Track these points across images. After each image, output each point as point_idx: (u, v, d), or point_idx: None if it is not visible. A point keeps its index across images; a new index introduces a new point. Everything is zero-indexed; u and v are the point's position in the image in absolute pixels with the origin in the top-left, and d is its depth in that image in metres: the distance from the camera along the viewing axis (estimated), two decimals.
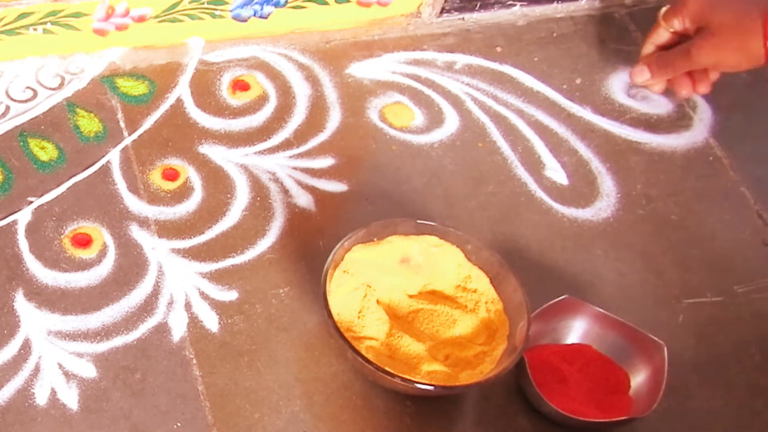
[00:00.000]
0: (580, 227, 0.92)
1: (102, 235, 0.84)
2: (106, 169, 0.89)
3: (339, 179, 0.91)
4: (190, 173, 0.90)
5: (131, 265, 0.83)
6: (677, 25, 0.91)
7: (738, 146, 1.01)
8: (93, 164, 0.89)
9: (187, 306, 0.81)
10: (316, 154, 0.93)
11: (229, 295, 0.83)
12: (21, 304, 0.80)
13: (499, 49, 1.05)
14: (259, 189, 0.89)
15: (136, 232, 0.85)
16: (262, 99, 0.96)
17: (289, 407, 0.77)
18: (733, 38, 0.84)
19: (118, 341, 0.79)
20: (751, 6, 0.83)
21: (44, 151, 0.89)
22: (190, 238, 0.85)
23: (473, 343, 0.79)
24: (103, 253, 0.84)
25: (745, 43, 0.83)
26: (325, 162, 0.92)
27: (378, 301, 0.80)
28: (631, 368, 0.81)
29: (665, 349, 0.79)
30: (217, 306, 0.82)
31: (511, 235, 0.90)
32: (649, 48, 0.95)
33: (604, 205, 0.94)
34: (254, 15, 0.99)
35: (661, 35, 0.93)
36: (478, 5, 1.06)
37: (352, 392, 0.79)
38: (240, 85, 0.97)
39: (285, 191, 0.90)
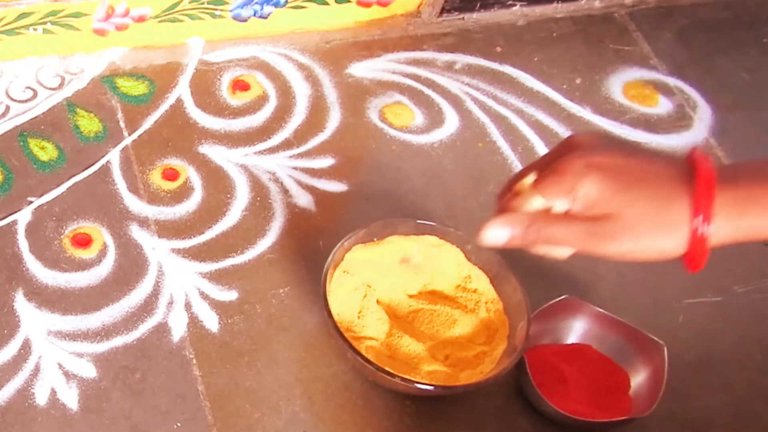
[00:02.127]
0: None
1: (102, 235, 0.84)
2: (106, 169, 0.89)
3: (339, 179, 0.91)
4: (190, 173, 0.90)
5: (131, 265, 0.83)
6: (560, 206, 0.62)
7: (738, 146, 1.01)
8: (93, 164, 0.89)
9: (187, 306, 0.81)
10: (316, 154, 0.93)
11: (229, 295, 0.83)
12: (21, 304, 0.80)
13: (499, 49, 1.05)
14: (259, 189, 0.89)
15: (136, 232, 0.85)
16: (262, 99, 0.96)
17: (289, 407, 0.77)
18: (655, 230, 0.62)
19: (118, 341, 0.79)
20: (674, 190, 0.61)
21: (44, 151, 0.89)
22: (190, 238, 0.85)
23: (473, 343, 0.79)
24: (103, 253, 0.84)
25: (665, 225, 0.62)
26: (325, 162, 0.92)
27: (378, 301, 0.80)
28: (631, 368, 0.81)
29: (665, 349, 0.79)
30: (217, 306, 0.82)
31: None
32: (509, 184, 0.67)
33: None
34: (254, 15, 0.99)
35: (535, 203, 0.64)
36: (478, 5, 1.07)
37: (352, 392, 0.79)
38: (240, 85, 0.97)
39: (285, 191, 0.90)
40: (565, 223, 0.62)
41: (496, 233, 0.64)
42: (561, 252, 0.64)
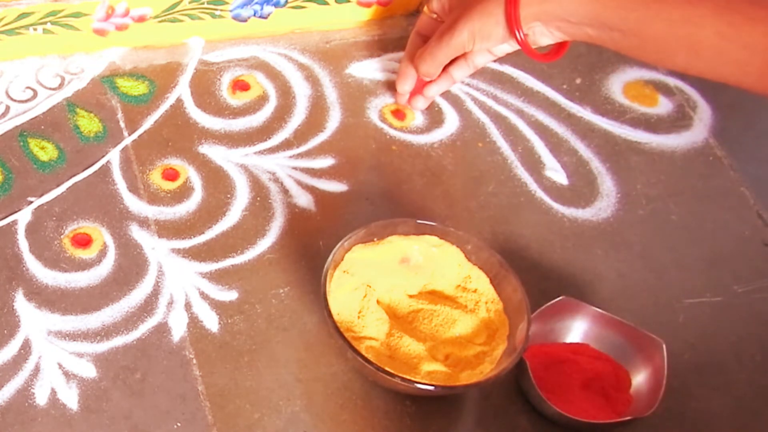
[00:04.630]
0: (580, 227, 0.92)
1: (102, 235, 0.84)
2: (106, 169, 0.89)
3: (339, 179, 0.91)
4: (190, 173, 0.90)
5: (131, 265, 0.83)
6: (436, 6, 0.90)
7: (738, 146, 1.01)
8: (93, 164, 0.89)
9: (187, 306, 0.81)
10: (316, 154, 0.93)
11: (229, 295, 0.83)
12: (21, 304, 0.80)
13: None
14: (259, 189, 0.89)
15: (136, 232, 0.85)
16: (262, 99, 0.96)
17: (289, 407, 0.77)
18: (481, 17, 0.83)
19: (118, 341, 0.79)
20: None
21: (44, 151, 0.89)
22: (190, 238, 0.85)
23: (473, 343, 0.79)
24: (103, 253, 0.84)
25: (487, 7, 0.82)
26: (325, 162, 0.92)
27: (378, 301, 0.80)
28: (631, 367, 0.81)
29: (664, 346, 0.79)
30: (217, 306, 0.82)
31: (511, 235, 0.90)
32: (413, 39, 0.93)
33: (604, 205, 0.94)
34: (254, 15, 0.99)
35: (423, 22, 0.92)
36: None
37: (352, 392, 0.79)
38: (240, 85, 0.97)
39: (285, 191, 0.90)
40: (426, 45, 0.89)
41: (403, 78, 0.94)
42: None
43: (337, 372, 0.80)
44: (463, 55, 0.89)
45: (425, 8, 0.92)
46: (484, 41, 0.85)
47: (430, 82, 0.94)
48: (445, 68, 0.91)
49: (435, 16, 0.91)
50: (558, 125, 0.99)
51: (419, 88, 0.95)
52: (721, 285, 0.90)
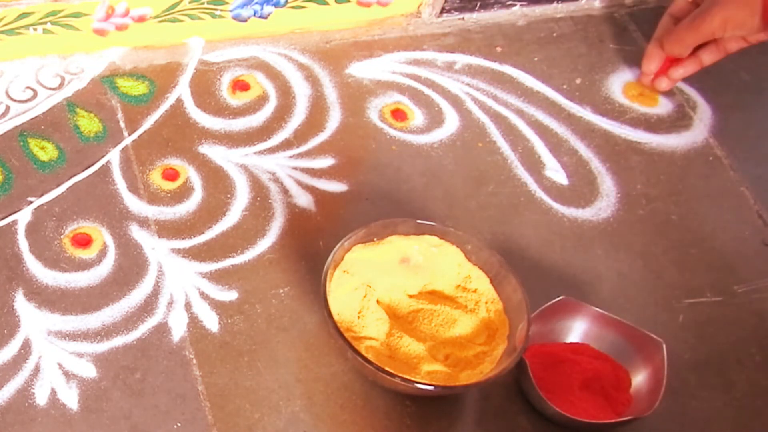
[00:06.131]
0: (580, 227, 0.92)
1: (102, 235, 0.84)
2: (106, 169, 0.89)
3: (339, 179, 0.91)
4: (190, 173, 0.90)
5: (131, 265, 0.83)
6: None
7: (738, 146, 1.01)
8: (93, 164, 0.89)
9: (187, 306, 0.81)
10: (316, 154, 0.93)
11: (229, 295, 0.83)
12: (21, 304, 0.80)
13: (499, 49, 1.05)
14: (259, 189, 0.89)
15: (136, 232, 0.85)
16: (262, 99, 0.96)
17: (289, 407, 0.77)
18: (737, 6, 0.86)
19: (118, 341, 0.79)
20: None
21: (44, 151, 0.89)
22: (190, 238, 0.85)
23: (473, 343, 0.79)
24: (103, 253, 0.84)
25: None
26: (325, 162, 0.92)
27: (378, 301, 0.80)
28: (631, 367, 0.81)
29: (664, 346, 0.79)
30: (217, 306, 0.82)
31: (511, 235, 0.90)
32: (665, 21, 0.96)
33: (604, 205, 0.94)
34: (254, 15, 0.99)
35: (678, 5, 0.95)
36: (478, 5, 1.07)
37: (352, 392, 0.79)
38: (240, 85, 0.97)
39: (285, 191, 0.90)
40: (681, 23, 0.92)
41: (649, 59, 0.98)
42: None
43: (337, 372, 0.80)
44: (715, 41, 0.92)
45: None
46: (737, 29, 0.88)
47: (677, 63, 0.96)
48: (695, 51, 0.94)
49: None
50: (558, 125, 0.99)
51: (664, 69, 0.97)
52: (721, 285, 0.90)
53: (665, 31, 0.96)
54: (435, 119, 0.98)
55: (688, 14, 0.93)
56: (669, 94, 1.03)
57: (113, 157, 0.90)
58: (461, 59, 1.03)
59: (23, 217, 0.85)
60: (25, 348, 0.78)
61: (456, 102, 0.99)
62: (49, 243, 0.83)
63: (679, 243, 0.92)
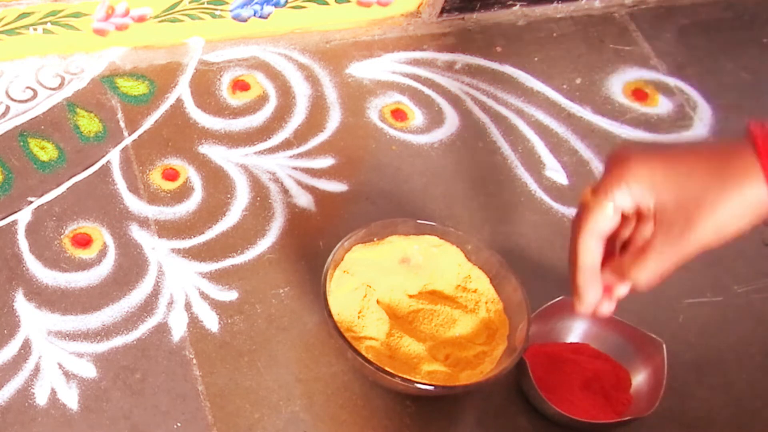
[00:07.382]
0: None
1: (102, 235, 0.84)
2: (106, 169, 0.89)
3: (339, 179, 0.91)
4: (190, 173, 0.90)
5: (131, 265, 0.83)
6: (625, 201, 0.63)
7: None
8: (93, 164, 0.89)
9: (187, 306, 0.81)
10: (316, 154, 0.93)
11: (229, 295, 0.83)
12: (21, 304, 0.80)
13: (499, 49, 1.05)
14: (259, 189, 0.89)
15: (136, 232, 0.85)
16: (262, 99, 0.96)
17: (289, 407, 0.77)
18: (722, 193, 0.61)
19: (118, 341, 0.79)
20: (727, 154, 0.60)
21: (44, 151, 0.89)
22: (190, 238, 0.85)
23: (473, 343, 0.79)
24: (103, 253, 0.84)
25: (735, 192, 0.61)
26: (325, 162, 0.92)
27: (378, 301, 0.80)
28: (631, 367, 0.81)
29: (664, 346, 0.79)
30: (217, 306, 0.82)
31: (511, 235, 0.90)
32: (589, 245, 0.65)
33: None
34: (254, 15, 0.99)
35: (601, 223, 0.64)
36: (478, 5, 1.07)
37: (352, 392, 0.79)
38: (240, 85, 0.97)
39: (285, 191, 0.90)
40: (645, 251, 0.62)
41: (591, 300, 0.68)
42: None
43: (337, 372, 0.80)
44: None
45: (598, 202, 0.63)
46: (734, 236, 0.64)
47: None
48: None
49: (621, 214, 0.64)
50: (558, 125, 0.99)
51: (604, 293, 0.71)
52: (721, 285, 0.90)
53: (593, 256, 0.66)
54: (435, 119, 0.98)
55: (621, 231, 0.66)
56: (669, 94, 1.04)
57: (113, 157, 0.90)
58: (461, 59, 1.03)
59: (23, 217, 0.85)
60: (25, 348, 0.78)
61: (456, 102, 0.99)
62: (49, 243, 0.83)
63: None
